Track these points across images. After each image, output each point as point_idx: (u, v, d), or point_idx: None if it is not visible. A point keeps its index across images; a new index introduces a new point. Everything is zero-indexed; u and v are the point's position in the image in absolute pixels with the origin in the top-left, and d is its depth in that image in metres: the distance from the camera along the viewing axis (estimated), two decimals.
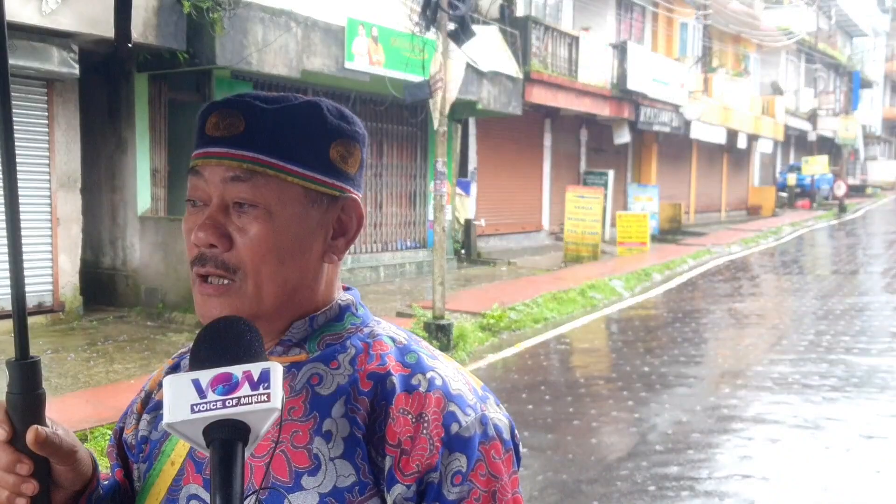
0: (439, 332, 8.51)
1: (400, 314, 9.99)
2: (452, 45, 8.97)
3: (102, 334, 8.63)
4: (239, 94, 1.06)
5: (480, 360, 8.51)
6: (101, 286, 10.08)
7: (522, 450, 5.61)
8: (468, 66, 11.94)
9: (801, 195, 34.86)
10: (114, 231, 10.14)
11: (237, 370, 0.85)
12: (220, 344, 0.89)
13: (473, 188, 16.04)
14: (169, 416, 0.84)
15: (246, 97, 1.05)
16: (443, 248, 8.82)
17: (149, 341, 8.34)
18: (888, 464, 5.50)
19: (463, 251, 15.37)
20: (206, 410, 0.83)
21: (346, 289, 1.14)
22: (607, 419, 6.54)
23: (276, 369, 0.86)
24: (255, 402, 0.84)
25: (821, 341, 9.37)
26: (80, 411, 5.94)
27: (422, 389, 1.01)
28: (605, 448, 5.81)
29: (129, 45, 1.34)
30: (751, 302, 12.45)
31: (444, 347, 8.43)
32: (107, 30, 8.05)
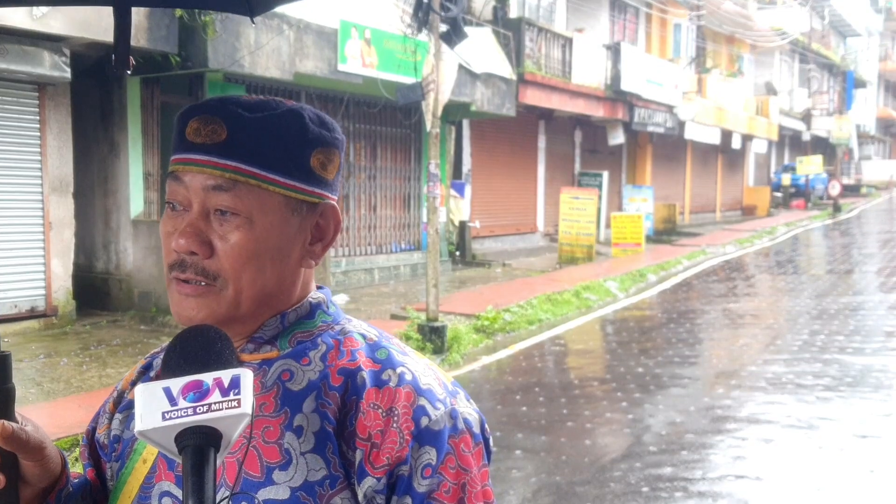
0: (433, 335, 8.50)
1: (394, 316, 9.98)
2: (445, 46, 8.97)
3: (95, 338, 8.61)
4: (220, 98, 1.06)
5: (474, 362, 8.51)
6: (95, 290, 10.05)
7: (516, 452, 5.57)
8: (461, 67, 11.94)
9: (796, 195, 34.90)
10: (107, 235, 10.12)
11: (207, 377, 0.86)
12: (192, 352, 0.91)
13: (468, 190, 16.04)
14: (140, 423, 0.85)
15: (227, 102, 1.05)
16: (436, 250, 8.80)
17: (142, 345, 8.32)
18: (882, 463, 5.50)
19: (457, 253, 15.36)
20: (177, 418, 0.84)
21: (318, 287, 1.15)
22: (601, 420, 6.53)
23: (247, 375, 0.87)
24: (226, 409, 0.84)
25: (815, 341, 9.37)
26: (72, 416, 5.92)
27: (392, 384, 1.02)
28: (599, 449, 5.81)
29: (129, 71, 1.39)
30: (745, 302, 12.45)
31: (439, 349, 8.42)
32: (98, 33, 8.04)
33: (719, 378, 7.78)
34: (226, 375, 0.87)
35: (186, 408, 0.84)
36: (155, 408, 0.85)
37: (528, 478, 5.23)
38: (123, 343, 8.41)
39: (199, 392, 0.85)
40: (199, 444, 0.84)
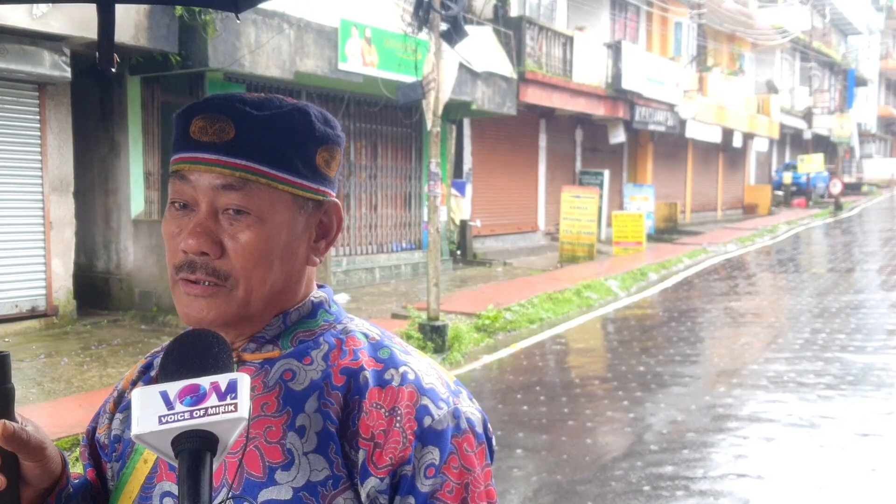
0: (434, 334, 8.49)
1: (395, 316, 9.97)
2: (445, 45, 8.96)
3: (96, 338, 8.60)
4: (223, 96, 1.05)
5: (475, 361, 8.50)
6: (95, 290, 10.05)
7: (517, 451, 5.57)
8: (462, 66, 11.93)
9: (797, 193, 34.89)
10: (107, 234, 10.12)
11: (205, 381, 0.87)
12: (189, 356, 0.91)
13: (469, 189, 16.03)
14: (137, 427, 0.85)
15: (232, 100, 1.04)
16: (437, 249, 8.80)
17: (143, 345, 8.31)
18: (883, 462, 5.49)
19: (458, 252, 15.36)
20: (174, 421, 0.85)
21: (320, 286, 1.15)
22: (602, 419, 6.52)
23: (244, 380, 0.87)
24: (223, 413, 0.85)
25: (816, 339, 9.36)
26: (73, 416, 5.92)
27: (395, 384, 1.02)
28: (601, 448, 5.80)
29: (113, 69, 1.37)
30: (747, 300, 12.44)
31: (440, 348, 8.42)
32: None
33: (721, 376, 7.77)
34: (223, 379, 0.87)
35: (183, 412, 0.85)
36: (151, 412, 0.85)
37: (529, 476, 5.23)
38: (124, 343, 8.41)
39: (196, 396, 0.86)
40: (195, 447, 0.85)
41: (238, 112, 1.02)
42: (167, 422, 0.85)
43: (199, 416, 0.85)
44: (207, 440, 0.85)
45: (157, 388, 0.87)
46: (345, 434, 1.00)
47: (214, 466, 0.86)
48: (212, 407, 0.85)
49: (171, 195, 1.05)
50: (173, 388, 0.86)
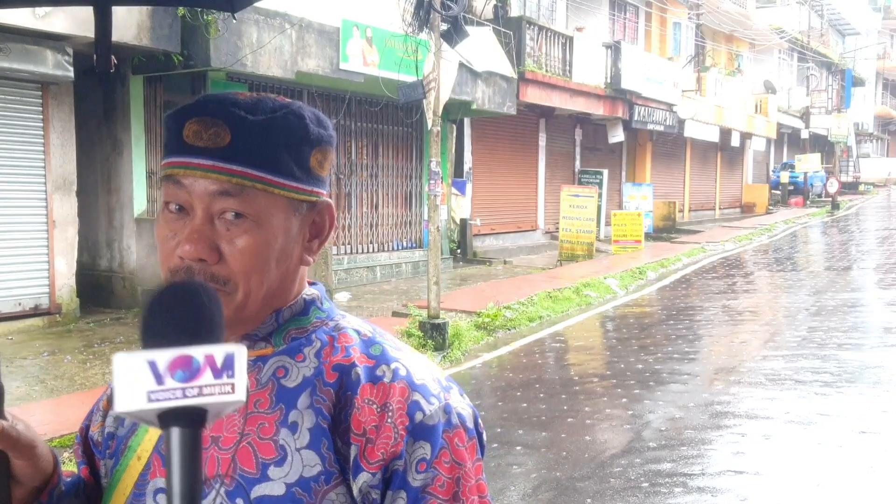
0: (434, 332, 8.54)
1: (396, 314, 10.02)
2: (446, 45, 9.00)
3: (99, 336, 8.64)
4: (216, 99, 1.04)
5: (475, 359, 8.54)
6: (98, 288, 10.09)
7: (516, 448, 5.61)
8: (463, 66, 11.98)
9: (795, 192, 34.91)
10: (110, 233, 10.16)
11: (199, 353, 0.76)
12: (178, 312, 0.80)
13: (469, 188, 16.07)
14: (123, 403, 0.75)
15: (225, 103, 1.02)
16: (438, 247, 8.84)
17: None
18: (881, 459, 5.51)
19: (459, 251, 15.40)
20: (165, 400, 0.75)
21: (311, 283, 1.15)
22: (601, 416, 6.56)
23: (241, 353, 0.78)
24: (218, 394, 0.76)
25: (813, 337, 9.40)
26: (76, 413, 5.95)
27: (386, 380, 1.02)
28: (600, 445, 5.84)
29: (112, 69, 1.39)
30: (744, 299, 12.49)
31: (440, 346, 8.46)
32: None
33: (718, 374, 7.82)
34: (218, 353, 0.76)
35: (175, 388, 0.75)
36: (139, 386, 0.75)
37: (528, 473, 5.27)
38: (127, 340, 8.45)
39: (189, 371, 0.75)
40: (185, 424, 0.76)
41: (233, 116, 1.01)
42: (156, 399, 0.75)
43: (193, 396, 0.75)
44: (198, 414, 0.76)
45: (144, 357, 0.75)
46: (337, 430, 1.00)
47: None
48: (206, 386, 0.75)
49: (165, 198, 1.05)
50: (163, 357, 0.75)
